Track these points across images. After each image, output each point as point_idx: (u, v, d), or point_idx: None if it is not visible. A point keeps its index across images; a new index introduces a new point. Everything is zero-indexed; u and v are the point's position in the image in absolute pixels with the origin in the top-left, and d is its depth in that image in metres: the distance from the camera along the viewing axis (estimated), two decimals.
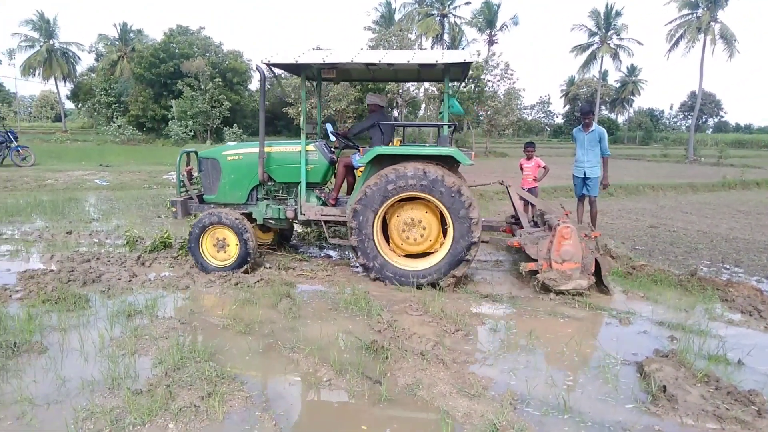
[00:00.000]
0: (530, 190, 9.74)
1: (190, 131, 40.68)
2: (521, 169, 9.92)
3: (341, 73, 7.19)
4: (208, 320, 5.04)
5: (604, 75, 64.97)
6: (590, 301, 5.76)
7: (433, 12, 52.04)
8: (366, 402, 3.58)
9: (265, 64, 6.13)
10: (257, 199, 7.05)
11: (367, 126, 7.05)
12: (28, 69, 55.09)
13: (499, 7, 53.24)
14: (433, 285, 6.11)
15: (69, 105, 63.83)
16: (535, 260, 6.09)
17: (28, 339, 4.35)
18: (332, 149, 7.30)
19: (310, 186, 6.85)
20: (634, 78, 73.84)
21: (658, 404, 3.55)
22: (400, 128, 8.10)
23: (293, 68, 6.74)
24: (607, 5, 53.72)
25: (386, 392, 3.63)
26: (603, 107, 58.29)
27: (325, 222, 6.73)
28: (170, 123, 40.93)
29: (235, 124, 40.64)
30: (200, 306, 5.45)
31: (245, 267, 6.54)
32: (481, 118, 46.17)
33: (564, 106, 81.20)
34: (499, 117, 42.43)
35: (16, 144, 19.49)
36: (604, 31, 54.78)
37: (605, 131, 8.29)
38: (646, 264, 7.13)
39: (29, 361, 4.09)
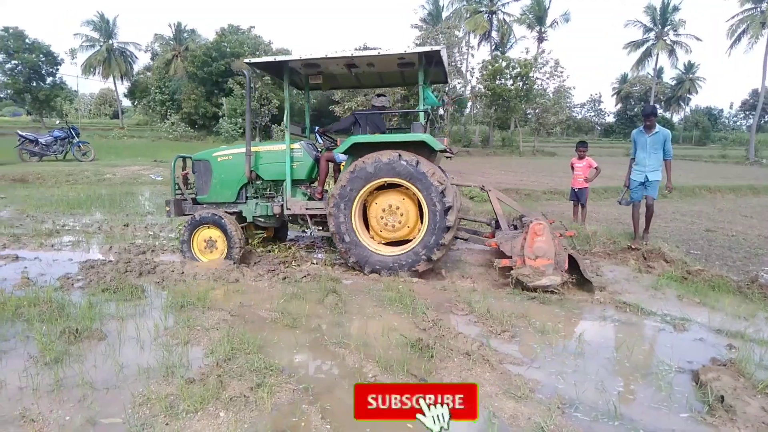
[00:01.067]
0: (580, 191, 9.53)
1: (240, 128, 41.66)
2: (572, 168, 9.71)
3: (328, 78, 7.49)
4: (257, 313, 5.16)
5: (659, 72, 62.84)
6: (642, 305, 5.59)
7: (481, 9, 51.45)
8: None
9: (246, 63, 6.58)
10: (246, 198, 7.36)
11: (348, 124, 7.46)
12: (88, 68, 57.69)
13: (549, 3, 52.11)
14: (415, 272, 6.32)
15: (126, 102, 66.45)
16: (510, 257, 6.14)
17: (88, 326, 4.56)
18: (319, 150, 7.57)
19: (296, 183, 7.19)
20: (691, 75, 70.99)
21: (715, 415, 3.41)
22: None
23: (275, 70, 7.16)
24: (663, 0, 51.77)
25: None
26: (657, 106, 56.29)
27: (311, 216, 6.97)
28: (221, 120, 42.03)
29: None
30: (249, 299, 5.58)
31: (235, 261, 6.81)
32: (529, 116, 45.41)
33: (615, 105, 78.97)
34: (547, 115, 41.64)
35: (77, 140, 20.43)
36: (660, 26, 52.92)
37: (669, 133, 7.96)
38: (703, 269, 6.85)
39: (89, 347, 4.29)
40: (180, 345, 4.29)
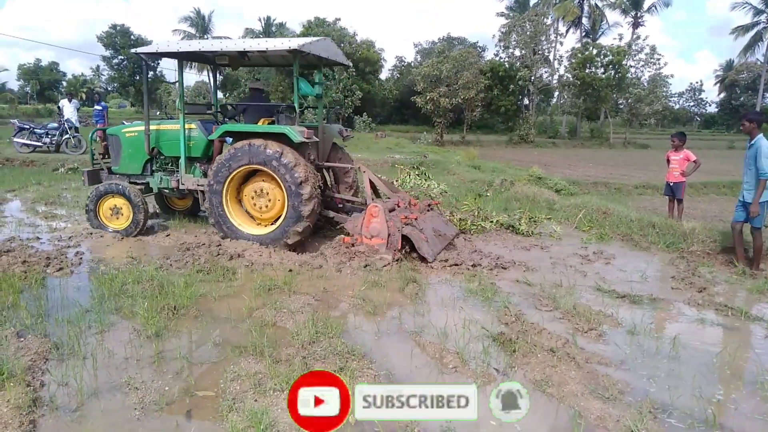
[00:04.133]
0: (676, 186, 8.95)
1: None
2: (668, 161, 9.14)
3: (233, 60, 7.67)
4: (339, 299, 5.29)
5: None
6: (747, 310, 5.17)
7: None
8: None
9: (134, 53, 7.24)
10: (152, 171, 7.93)
11: (240, 110, 7.94)
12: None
13: None
14: (286, 245, 6.79)
15: (219, 94, 69.91)
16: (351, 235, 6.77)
17: (185, 304, 4.87)
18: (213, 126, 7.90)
19: (192, 160, 7.67)
20: None
21: None
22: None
23: (169, 55, 7.46)
24: None
25: None
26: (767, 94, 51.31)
27: (201, 192, 7.40)
28: (306, 112, 43.17)
29: (365, 113, 41.82)
30: (332, 285, 5.72)
31: (138, 230, 7.49)
32: (621, 106, 43.12)
33: (719, 94, 73.14)
34: (641, 105, 39.31)
35: None
36: None
37: (764, 145, 6.29)
38: None
39: (186, 323, 4.59)
40: (267, 326, 4.48)
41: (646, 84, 40.22)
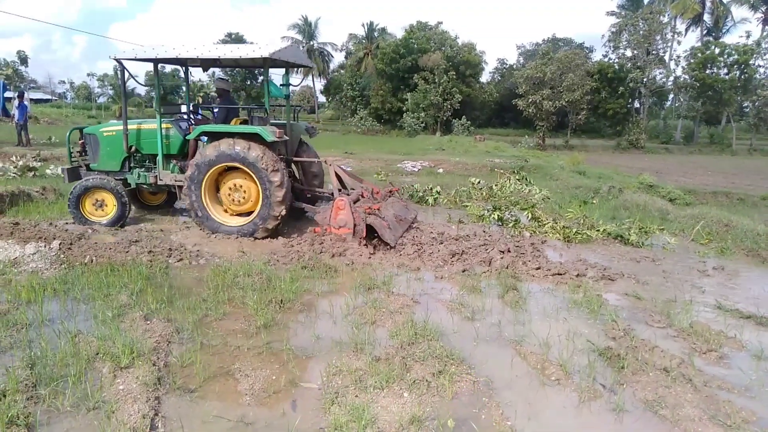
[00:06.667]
0: None
1: (422, 123, 42.81)
2: None
3: (205, 62, 8.34)
4: (438, 302, 5.28)
5: None
6: None
7: None
8: (599, 409, 3.39)
9: (114, 59, 7.57)
10: (130, 168, 8.35)
11: (223, 115, 8.25)
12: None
13: None
14: (261, 236, 7.44)
15: (321, 98, 72.28)
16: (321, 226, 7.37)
17: (290, 298, 5.10)
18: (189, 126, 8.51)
19: (169, 157, 8.17)
20: None
21: None
22: None
23: (146, 60, 7.93)
24: None
25: (622, 403, 3.38)
26: None
27: (179, 187, 7.89)
28: (404, 115, 43.63)
29: (464, 116, 41.48)
30: (429, 287, 5.73)
31: (123, 221, 7.97)
32: (746, 110, 39.47)
33: None
34: None
35: None
36: None
37: None
38: None
39: (291, 317, 4.80)
40: (367, 324, 4.58)
41: None
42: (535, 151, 28.24)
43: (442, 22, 48.17)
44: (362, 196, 7.99)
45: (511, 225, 8.58)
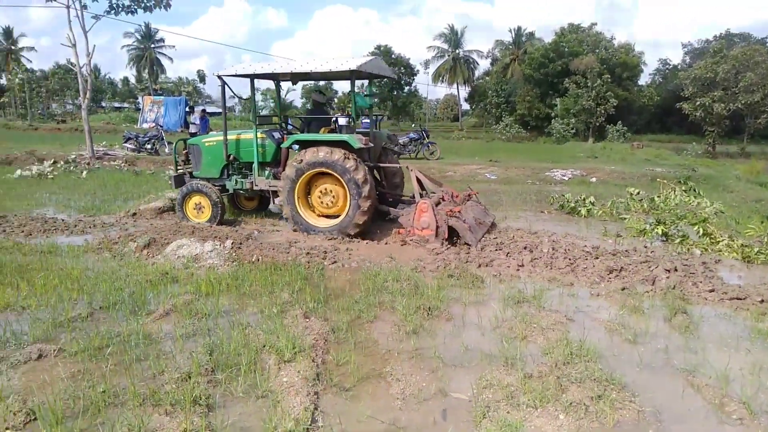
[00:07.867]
0: None
1: (572, 129, 40.75)
2: None
3: (295, 77, 8.92)
4: (594, 321, 4.95)
5: None
6: None
7: None
8: None
9: (217, 76, 8.41)
10: (229, 175, 9.11)
11: (309, 121, 8.93)
12: (437, 76, 64.76)
13: None
14: (347, 235, 7.89)
15: (465, 106, 72.16)
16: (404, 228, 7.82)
17: (438, 306, 5.12)
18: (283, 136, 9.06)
19: (265, 164, 8.87)
20: None
21: None
22: None
23: (244, 76, 8.52)
24: None
25: None
26: None
27: (273, 192, 8.66)
28: (553, 121, 41.88)
29: (620, 122, 38.64)
30: (585, 305, 5.39)
31: (217, 221, 8.66)
32: None
33: None
34: None
35: (427, 140, 23.17)
36: None
37: None
38: None
39: (439, 325, 4.81)
40: (517, 339, 4.44)
41: None
42: (704, 159, 25.39)
43: (596, 24, 45.52)
44: (443, 200, 8.37)
45: (677, 241, 7.80)
